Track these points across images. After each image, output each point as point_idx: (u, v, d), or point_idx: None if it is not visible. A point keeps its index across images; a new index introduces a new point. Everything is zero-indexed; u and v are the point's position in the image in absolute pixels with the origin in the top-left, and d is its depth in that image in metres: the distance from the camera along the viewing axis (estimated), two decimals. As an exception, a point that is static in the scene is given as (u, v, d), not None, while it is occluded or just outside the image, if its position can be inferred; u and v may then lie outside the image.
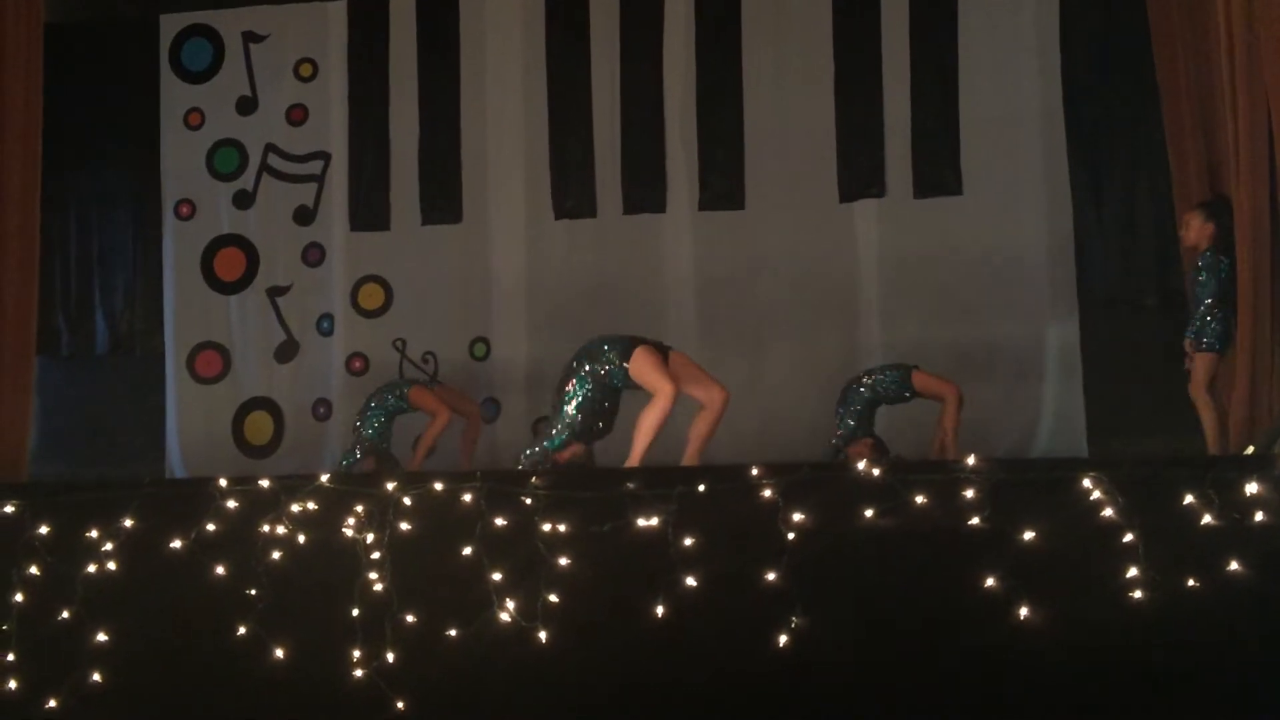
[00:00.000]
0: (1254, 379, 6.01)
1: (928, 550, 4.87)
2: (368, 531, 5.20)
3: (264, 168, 9.19)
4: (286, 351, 9.15)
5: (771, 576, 4.89)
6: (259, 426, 9.10)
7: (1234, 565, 4.57)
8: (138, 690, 5.32)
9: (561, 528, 5.07)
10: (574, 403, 6.39)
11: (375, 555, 5.18)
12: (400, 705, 5.13)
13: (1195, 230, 6.66)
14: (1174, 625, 4.62)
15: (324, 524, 5.26)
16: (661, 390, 6.23)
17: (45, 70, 7.04)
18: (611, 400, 6.48)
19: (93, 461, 8.78)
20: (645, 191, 8.82)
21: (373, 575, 5.17)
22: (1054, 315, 8.27)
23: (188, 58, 9.27)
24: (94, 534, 5.36)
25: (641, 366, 6.30)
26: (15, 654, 5.36)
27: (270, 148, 9.17)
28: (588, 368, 6.38)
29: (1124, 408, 8.05)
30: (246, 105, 9.23)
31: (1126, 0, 7.94)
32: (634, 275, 8.78)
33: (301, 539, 5.26)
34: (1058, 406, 8.22)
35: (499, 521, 5.12)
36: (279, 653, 5.21)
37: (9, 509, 5.45)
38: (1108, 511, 4.69)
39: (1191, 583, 4.60)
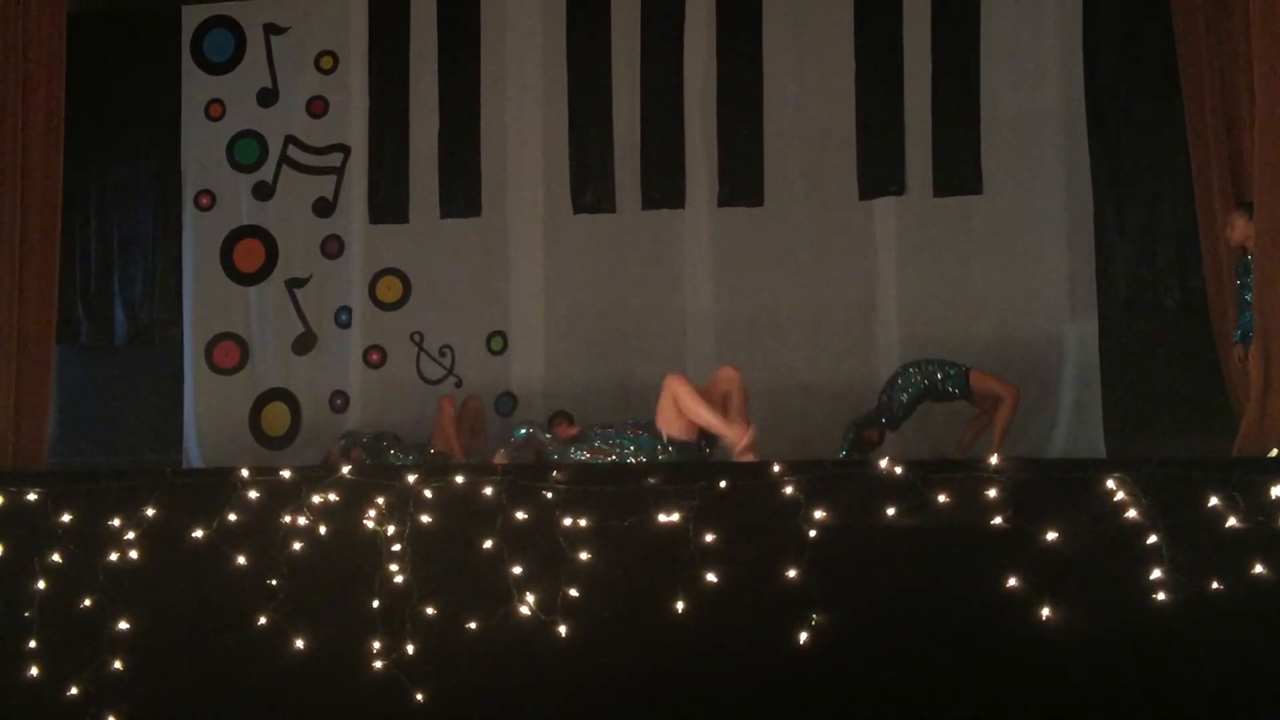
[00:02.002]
0: (1268, 380, 5.96)
1: (949, 549, 4.86)
2: (388, 523, 5.21)
3: (284, 159, 9.20)
4: (304, 343, 9.17)
5: (792, 573, 4.89)
6: (276, 417, 9.11)
7: (1258, 568, 4.55)
8: (158, 678, 5.35)
9: (582, 522, 5.07)
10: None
11: (396, 547, 5.18)
12: (419, 697, 5.15)
13: (1241, 230, 6.58)
14: (1197, 627, 4.61)
15: (345, 515, 5.27)
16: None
17: (68, 61, 7.05)
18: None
19: (110, 451, 8.82)
20: (664, 187, 8.81)
21: (393, 567, 5.17)
22: (1073, 315, 8.24)
23: (209, 49, 9.29)
24: (116, 523, 5.38)
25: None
26: (37, 641, 5.39)
27: (290, 139, 9.19)
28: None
29: (1143, 409, 8.04)
30: (267, 97, 9.24)
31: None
32: (652, 271, 8.77)
33: (322, 530, 5.27)
34: (1076, 407, 8.18)
35: (520, 515, 5.12)
36: (299, 643, 5.22)
37: (32, 496, 5.48)
38: (1131, 513, 4.67)
39: (1215, 585, 4.59)
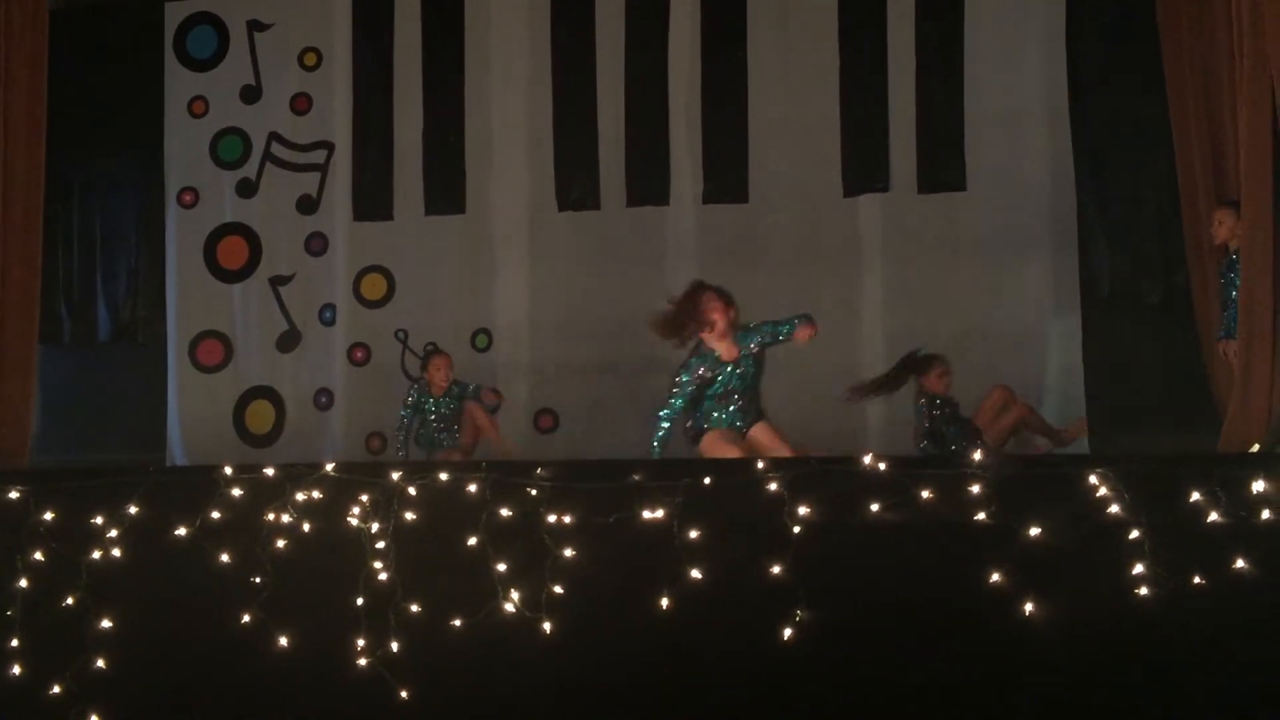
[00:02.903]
0: (1249, 375, 5.99)
1: (933, 545, 4.86)
2: (372, 521, 5.20)
3: (267, 156, 9.17)
4: (288, 341, 9.15)
5: (777, 570, 4.89)
6: (260, 415, 9.09)
7: (1240, 562, 4.57)
8: (141, 677, 5.33)
9: (566, 519, 5.07)
10: None
11: (380, 544, 5.17)
12: (404, 694, 5.14)
13: (1228, 228, 6.60)
14: (1180, 622, 4.62)
15: (329, 513, 5.26)
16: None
17: (50, 57, 7.02)
18: None
19: (94, 449, 8.77)
20: (649, 184, 8.81)
21: (377, 564, 5.16)
22: (1056, 311, 8.27)
23: (192, 45, 9.26)
24: (99, 520, 5.36)
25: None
26: (19, 639, 5.36)
27: (274, 136, 9.16)
28: None
29: (1126, 405, 8.06)
30: (250, 94, 9.21)
31: (1134, -3, 7.96)
32: (637, 268, 8.76)
33: (306, 527, 5.25)
34: (1059, 403, 8.21)
35: (504, 512, 5.11)
36: (283, 641, 5.21)
37: (14, 495, 5.45)
38: (1114, 508, 4.69)
39: (1197, 579, 4.61)
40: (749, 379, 6.62)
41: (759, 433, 6.59)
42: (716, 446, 6.40)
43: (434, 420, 8.13)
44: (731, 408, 6.56)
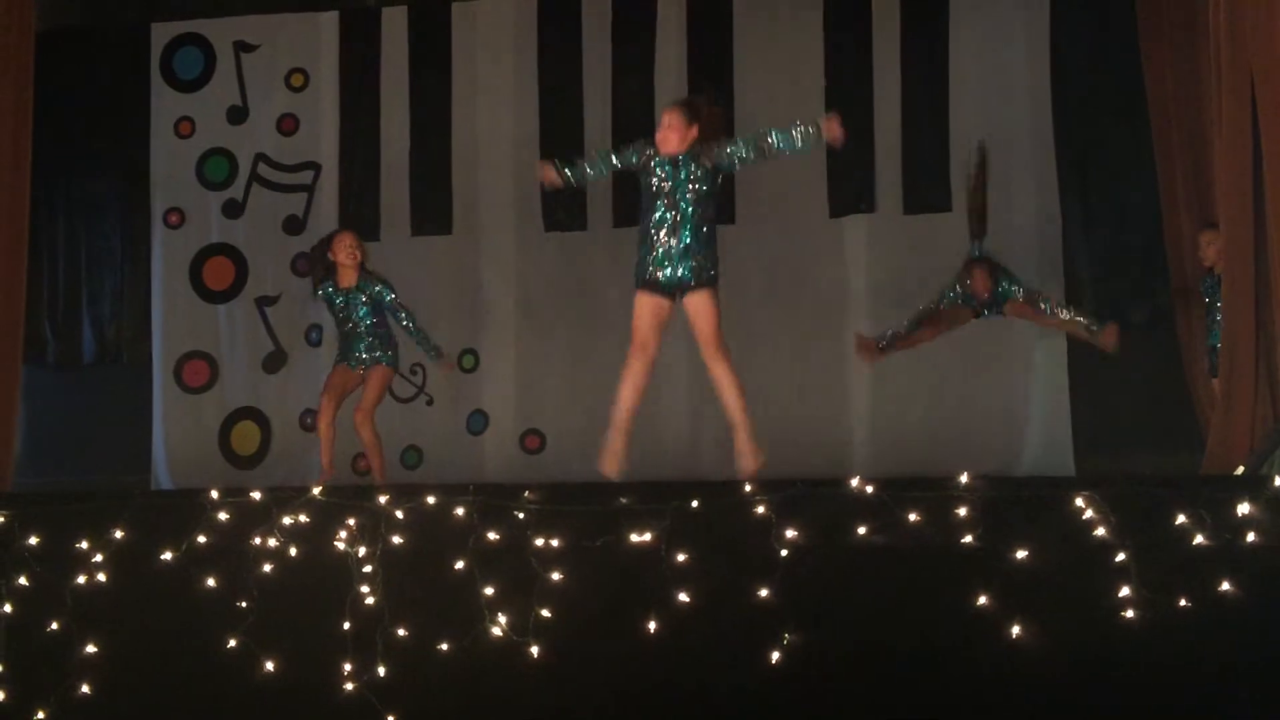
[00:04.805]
0: (1231, 400, 6.02)
1: (920, 568, 4.86)
2: (359, 544, 5.18)
3: (254, 177, 9.18)
4: (275, 361, 9.14)
5: (764, 593, 4.89)
6: (246, 437, 9.07)
7: (1225, 585, 4.58)
8: (127, 702, 5.28)
9: (554, 542, 5.05)
10: None
11: (367, 568, 5.15)
12: (391, 719, 5.11)
13: (1217, 250, 6.65)
14: (1165, 645, 4.63)
15: (315, 536, 5.23)
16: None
17: (36, 77, 7.01)
18: None
19: (78, 471, 8.73)
20: (635, 205, 8.80)
21: (364, 588, 5.14)
22: (1041, 331, 8.30)
23: (179, 66, 9.27)
24: (84, 545, 5.31)
25: None
26: (4, 665, 5.32)
27: (261, 157, 9.17)
28: None
29: (1111, 425, 8.09)
30: (237, 114, 9.22)
31: (1117, 20, 8.02)
32: (624, 288, 8.73)
33: (293, 551, 5.23)
34: (1045, 424, 8.25)
35: (491, 536, 5.10)
36: (269, 665, 5.18)
37: (-2, 519, 5.42)
38: (1100, 531, 4.69)
39: (1183, 603, 4.61)
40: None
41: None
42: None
43: (340, 316, 7.31)
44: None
